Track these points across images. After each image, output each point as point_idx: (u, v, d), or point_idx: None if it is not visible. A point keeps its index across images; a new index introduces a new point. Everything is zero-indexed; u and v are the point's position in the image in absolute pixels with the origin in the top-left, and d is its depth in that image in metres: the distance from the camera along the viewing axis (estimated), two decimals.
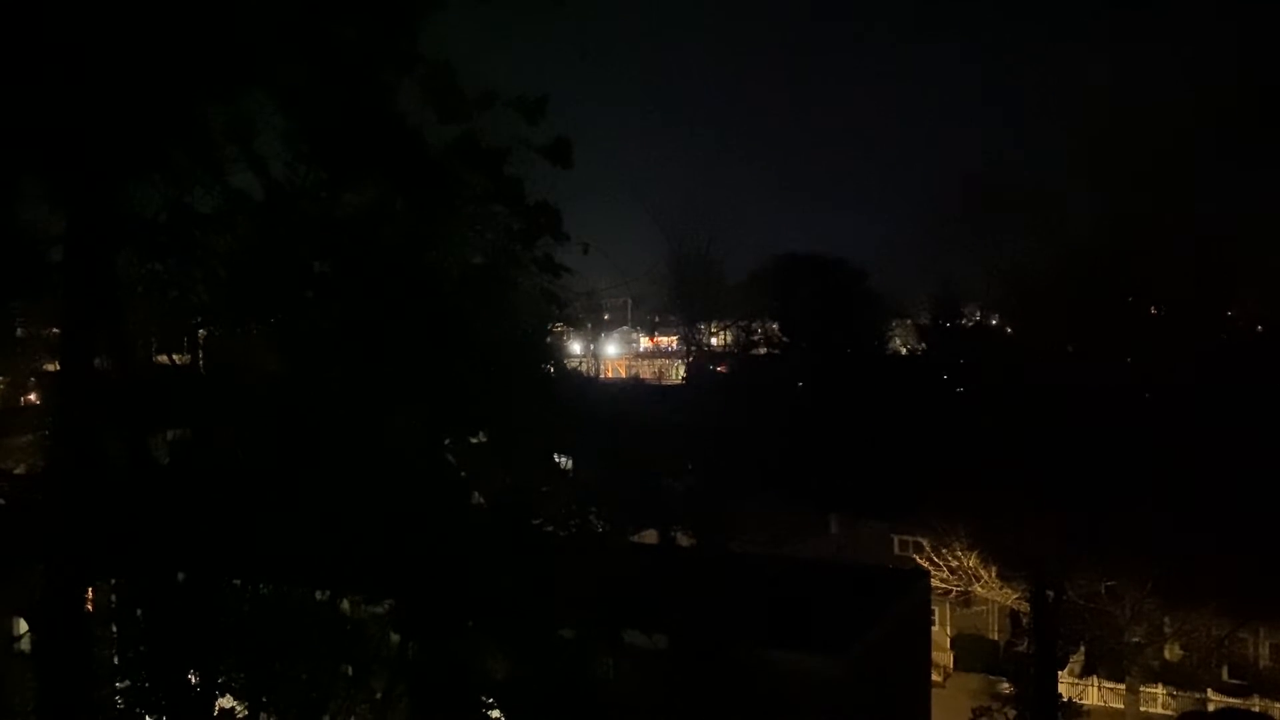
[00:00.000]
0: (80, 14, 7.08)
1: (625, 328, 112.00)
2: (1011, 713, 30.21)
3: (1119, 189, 37.57)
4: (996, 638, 40.55)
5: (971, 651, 40.04)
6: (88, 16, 7.09)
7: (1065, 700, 31.44)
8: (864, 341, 57.12)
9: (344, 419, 9.28)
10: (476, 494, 10.60)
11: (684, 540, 29.02)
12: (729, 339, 59.71)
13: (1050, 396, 30.59)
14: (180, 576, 9.76)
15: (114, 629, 10.63)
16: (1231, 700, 35.26)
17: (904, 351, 64.39)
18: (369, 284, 8.93)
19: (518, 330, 10.56)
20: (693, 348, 52.75)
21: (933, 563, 35.01)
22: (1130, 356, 37.19)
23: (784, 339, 57.45)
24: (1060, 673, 33.38)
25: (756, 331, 58.26)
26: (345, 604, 10.97)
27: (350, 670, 11.05)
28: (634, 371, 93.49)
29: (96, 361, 8.51)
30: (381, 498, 9.34)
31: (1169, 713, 35.81)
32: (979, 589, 35.30)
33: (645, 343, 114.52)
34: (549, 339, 12.05)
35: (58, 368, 8.88)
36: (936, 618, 37.49)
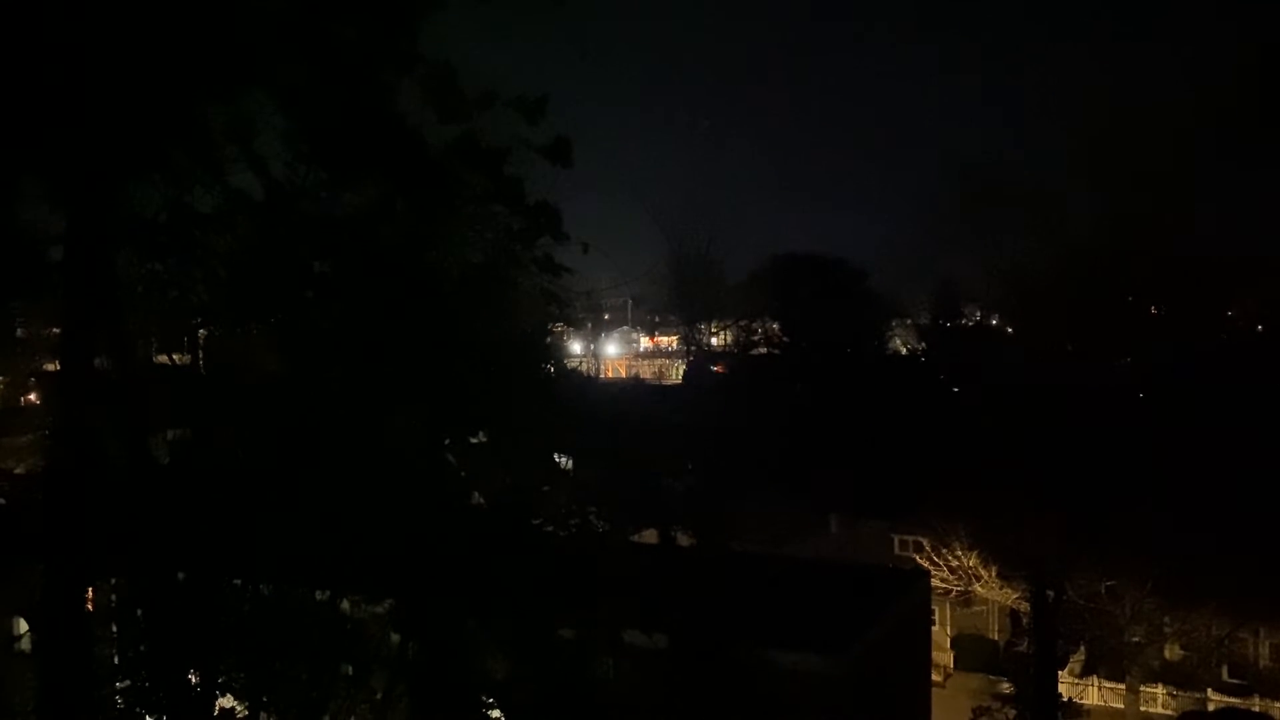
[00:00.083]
0: (80, 14, 7.09)
1: (625, 328, 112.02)
2: (1012, 712, 30.20)
3: (1119, 189, 37.56)
4: (997, 637, 40.54)
5: (972, 651, 40.04)
6: (88, 17, 7.09)
7: (1065, 700, 31.44)
8: (864, 341, 57.09)
9: (344, 419, 9.28)
10: (476, 494, 10.60)
11: (684, 540, 29.01)
12: (729, 339, 59.74)
13: (1050, 396, 30.59)
14: (180, 576, 9.76)
15: (114, 629, 10.63)
16: (1232, 700, 35.26)
17: (904, 351, 64.36)
18: (369, 284, 8.94)
19: (518, 330, 10.56)
20: (693, 347, 52.79)
21: (933, 562, 35.00)
22: (1130, 356, 37.19)
23: (784, 339, 57.42)
24: (1060, 672, 33.39)
25: (756, 331, 58.26)
26: (345, 604, 10.97)
27: (350, 670, 11.05)
28: (634, 371, 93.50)
29: (96, 361, 8.51)
30: (381, 498, 9.35)
31: (1169, 712, 35.81)
32: (979, 589, 35.30)
33: (645, 342, 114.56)
34: (549, 339, 12.05)
35: (58, 368, 8.89)
36: (936, 617, 37.47)
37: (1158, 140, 37.31)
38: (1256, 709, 34.69)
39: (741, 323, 57.63)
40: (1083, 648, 36.37)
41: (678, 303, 53.46)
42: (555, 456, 11.90)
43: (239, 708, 10.24)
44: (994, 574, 34.12)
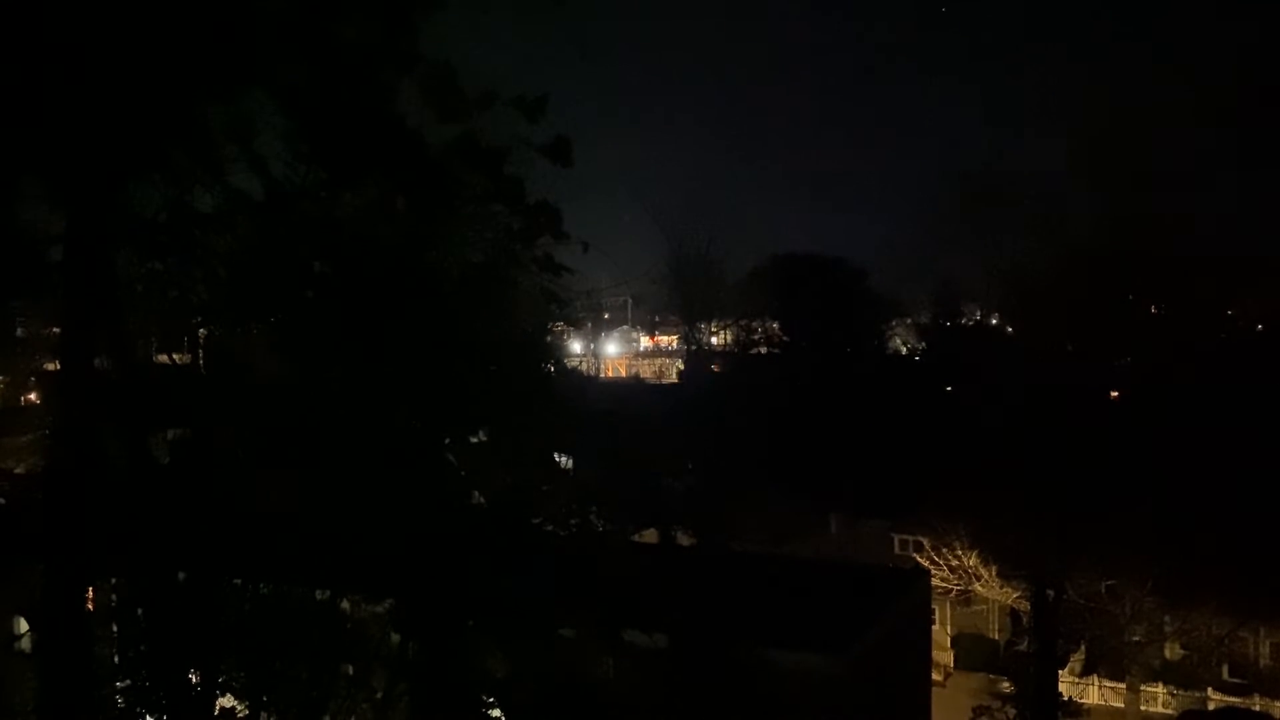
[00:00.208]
0: (81, 14, 7.09)
1: (625, 327, 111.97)
2: (1012, 712, 30.20)
3: (1119, 189, 37.57)
4: (997, 637, 40.53)
5: (972, 650, 40.03)
6: (88, 17, 7.10)
7: (1066, 699, 31.44)
8: (864, 341, 57.08)
9: (344, 419, 9.28)
10: (476, 494, 10.60)
11: (684, 540, 29.05)
12: (729, 338, 59.70)
13: (1050, 396, 30.59)
14: (180, 576, 9.76)
15: (114, 628, 10.63)
16: (1232, 699, 35.26)
17: (904, 351, 64.35)
18: (369, 284, 8.94)
19: (518, 330, 10.56)
20: (693, 346, 52.79)
21: (933, 562, 35.00)
22: (1130, 356, 37.19)
23: (784, 338, 57.41)
24: (1060, 672, 33.37)
25: (756, 331, 58.22)
26: (345, 604, 10.98)
27: (350, 670, 11.06)
28: (634, 371, 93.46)
29: (96, 361, 8.51)
30: (381, 497, 9.35)
31: (1169, 711, 35.80)
32: (979, 588, 35.30)
33: (645, 342, 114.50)
34: (549, 339, 12.05)
35: (58, 368, 8.89)
36: (937, 617, 37.47)
37: (1158, 140, 37.35)
38: (1257, 708, 34.69)
39: (741, 322, 57.59)
40: (1083, 647, 36.35)
41: (678, 302, 53.48)
42: (555, 456, 11.90)
43: (239, 707, 10.25)
44: (994, 573, 34.12)
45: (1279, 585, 28.89)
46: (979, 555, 34.02)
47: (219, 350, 10.82)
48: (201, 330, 10.91)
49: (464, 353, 9.55)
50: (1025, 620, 33.83)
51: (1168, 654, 35.10)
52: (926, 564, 35.03)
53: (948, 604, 38.39)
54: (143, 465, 9.36)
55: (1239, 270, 41.18)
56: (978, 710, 31.01)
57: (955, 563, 34.60)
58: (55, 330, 9.67)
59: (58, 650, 8.38)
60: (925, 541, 36.50)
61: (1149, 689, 35.26)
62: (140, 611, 10.15)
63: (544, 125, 8.42)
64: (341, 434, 9.29)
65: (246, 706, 10.25)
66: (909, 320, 66.32)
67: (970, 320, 59.71)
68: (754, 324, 57.91)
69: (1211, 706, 35.29)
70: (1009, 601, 35.57)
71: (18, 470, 12.40)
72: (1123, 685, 34.22)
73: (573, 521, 11.49)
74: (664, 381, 70.27)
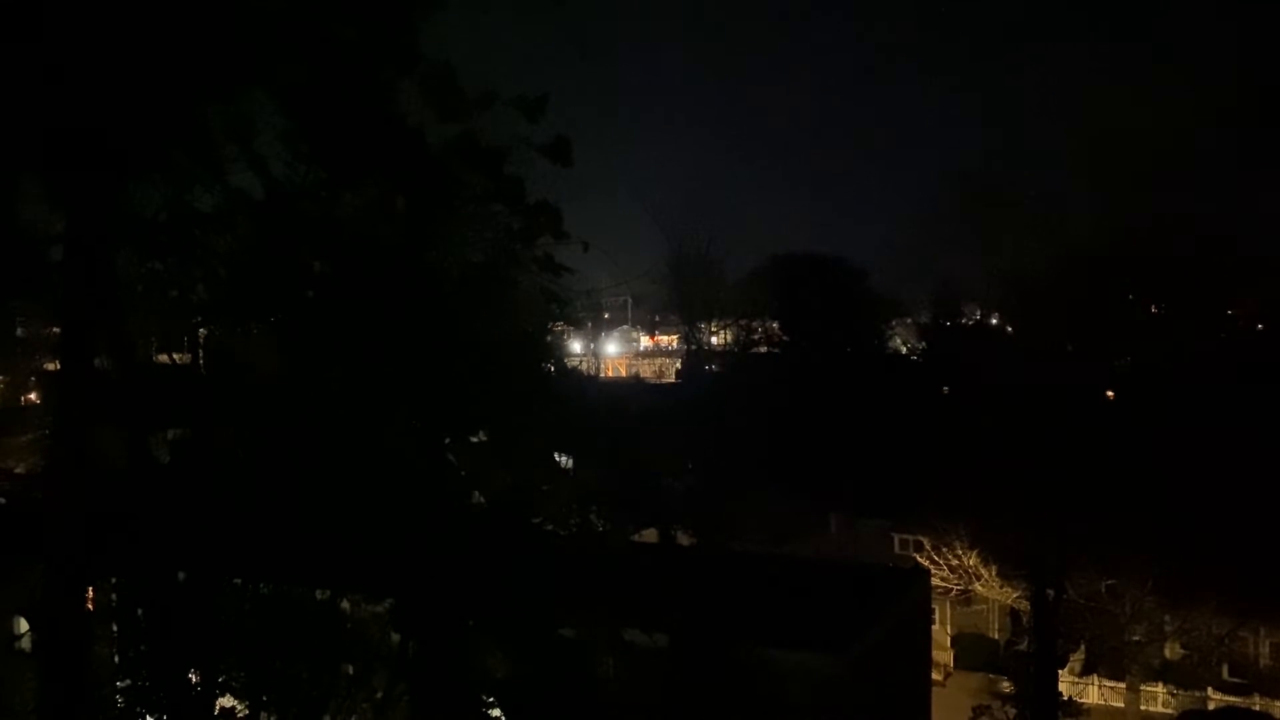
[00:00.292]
0: (81, 14, 7.08)
1: (625, 327, 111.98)
2: (1012, 711, 30.20)
3: (1119, 189, 37.57)
4: (997, 636, 40.53)
5: (972, 650, 40.02)
6: (88, 17, 7.09)
7: (1066, 699, 31.43)
8: (864, 341, 57.10)
9: (344, 419, 9.28)
10: (477, 494, 10.60)
11: (684, 540, 29.01)
12: (729, 338, 59.69)
13: (1050, 396, 30.58)
14: (180, 576, 9.76)
15: (114, 628, 10.63)
16: (1232, 699, 35.26)
17: (904, 351, 64.35)
18: (369, 284, 8.94)
19: (518, 330, 10.55)
20: (692, 346, 52.78)
21: (933, 561, 35.01)
22: (1130, 356, 37.19)
23: (784, 338, 57.43)
24: (1060, 671, 33.37)
25: (756, 330, 58.22)
26: (345, 604, 10.97)
27: (350, 669, 11.06)
28: (634, 370, 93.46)
29: (96, 361, 8.51)
30: (382, 497, 9.35)
31: (1169, 711, 35.80)
32: (979, 588, 35.31)
33: (646, 341, 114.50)
34: (549, 338, 12.05)
35: (58, 368, 8.88)
36: (937, 616, 37.48)
37: (1158, 140, 37.32)
38: (1257, 708, 34.69)
39: (741, 322, 57.58)
40: (1083, 647, 36.36)
41: (678, 302, 53.44)
42: (555, 456, 11.90)
43: (239, 707, 10.24)
44: (994, 573, 34.14)
45: (1279, 585, 28.88)
46: (979, 555, 34.04)
47: (219, 350, 10.82)
48: (201, 330, 10.91)
49: (464, 353, 9.55)
50: (1025, 620, 33.81)
51: (1168, 654, 35.10)
52: (926, 564, 35.03)
53: (948, 604, 38.40)
54: (143, 465, 9.36)
55: (1239, 270, 41.16)
56: (978, 710, 31.00)
57: (955, 562, 34.61)
58: (55, 330, 9.67)
59: (58, 650, 8.37)
60: (925, 541, 36.51)
61: (1149, 689, 35.26)
62: (140, 611, 10.15)
63: (544, 125, 8.43)
64: (341, 434, 9.29)
65: (246, 706, 10.25)
66: (909, 320, 66.33)
67: (970, 320, 59.68)
68: (754, 324, 57.89)
69: (1211, 706, 35.29)
70: (1009, 601, 35.58)
71: (18, 470, 12.42)
72: (1123, 685, 34.22)
73: (573, 521, 11.49)
74: (664, 381, 70.29)
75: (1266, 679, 35.53)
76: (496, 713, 10.66)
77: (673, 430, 34.91)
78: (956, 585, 35.39)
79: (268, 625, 10.40)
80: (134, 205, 8.49)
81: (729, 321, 57.98)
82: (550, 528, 11.21)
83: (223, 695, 10.13)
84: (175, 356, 10.91)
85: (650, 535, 29.45)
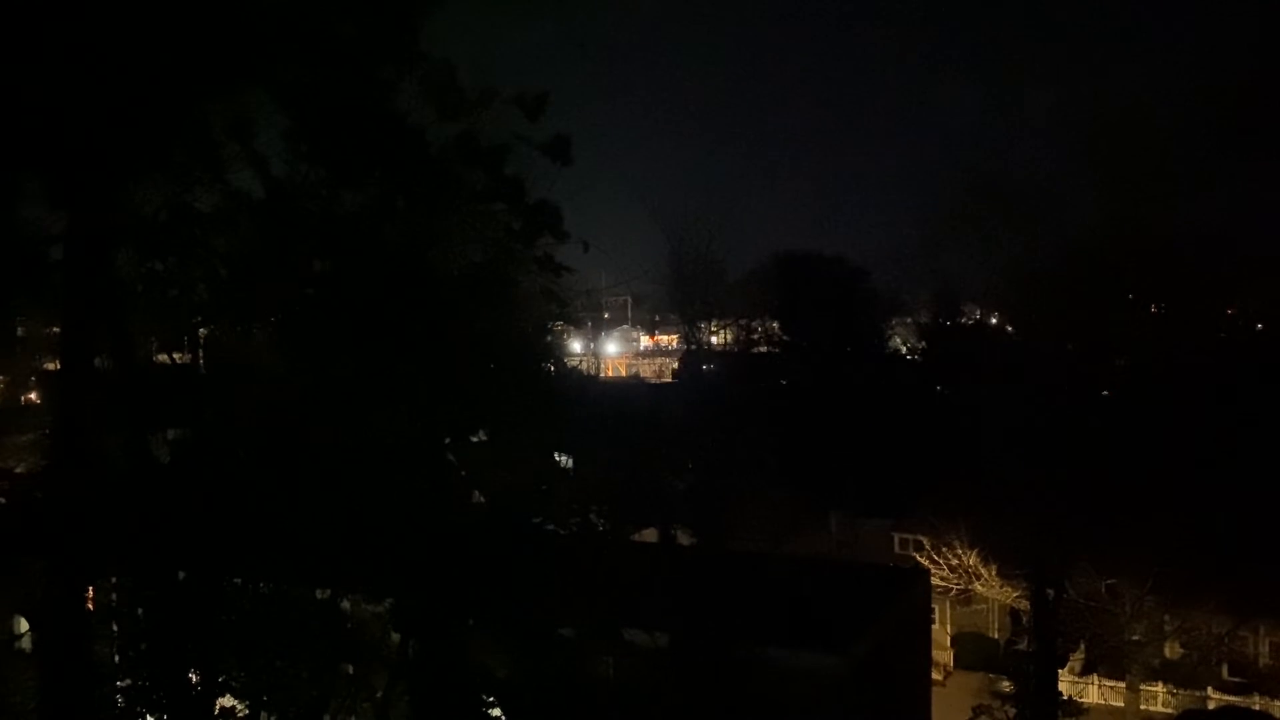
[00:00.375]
0: (81, 14, 7.08)
1: (625, 326, 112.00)
2: (1012, 711, 30.18)
3: (1119, 189, 37.51)
4: (997, 636, 40.50)
5: (972, 650, 40.00)
6: (89, 17, 7.09)
7: (1065, 698, 31.40)
8: (864, 340, 57.07)
9: (344, 418, 9.28)
10: (477, 493, 10.60)
11: (684, 539, 28.97)
12: (729, 338, 59.68)
13: (1050, 396, 30.56)
14: (180, 576, 9.75)
15: (114, 628, 10.62)
16: (1232, 698, 35.24)
17: (904, 350, 64.34)
18: (369, 283, 8.93)
19: (518, 330, 10.55)
20: (692, 346, 52.74)
21: (933, 561, 34.98)
22: (1130, 356, 37.15)
23: (784, 338, 57.41)
24: (1060, 671, 33.34)
25: (756, 330, 58.20)
26: (345, 603, 10.97)
27: (351, 669, 11.05)
28: (634, 370, 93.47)
29: (96, 361, 8.51)
30: (381, 497, 9.34)
31: (1169, 711, 35.77)
32: (979, 587, 35.26)
33: (645, 341, 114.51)
34: (549, 338, 12.04)
35: (58, 367, 8.88)
36: (937, 616, 37.44)
37: (1158, 140, 37.26)
38: (1257, 707, 34.68)
39: (741, 321, 57.56)
40: (1083, 646, 36.33)
41: (678, 302, 53.39)
42: (555, 456, 11.89)
43: (239, 707, 10.24)
44: (994, 572, 34.10)
45: (1279, 585, 28.87)
46: (979, 554, 34.01)
47: (219, 350, 10.82)
48: (201, 330, 10.91)
49: (464, 353, 9.55)
50: (1025, 620, 33.79)
51: (1168, 653, 35.07)
52: (926, 563, 35.01)
53: (948, 603, 38.37)
54: (143, 465, 9.36)
55: (1239, 270, 41.11)
56: (977, 709, 30.98)
57: (955, 562, 34.58)
58: (55, 330, 9.66)
59: (58, 650, 8.37)
60: (925, 541, 36.47)
61: (1149, 688, 35.24)
62: (140, 611, 10.15)
63: (543, 124, 8.44)
64: (341, 434, 9.29)
65: (246, 706, 10.25)
66: (909, 320, 66.31)
67: (970, 320, 59.65)
68: (754, 323, 57.89)
69: (1211, 706, 35.28)
70: (1009, 601, 35.54)
71: (18, 470, 12.40)
72: (1122, 684, 34.20)
73: (573, 520, 11.49)
74: (664, 381, 70.34)
75: (1266, 678, 35.51)
76: (496, 712, 10.66)
77: (673, 430, 34.87)
78: (956, 585, 35.35)
79: (268, 625, 10.39)
80: (134, 205, 8.49)
81: (729, 321, 57.96)
82: (551, 526, 11.20)
83: (223, 695, 10.12)
84: (175, 356, 10.90)
85: (650, 535, 29.43)
